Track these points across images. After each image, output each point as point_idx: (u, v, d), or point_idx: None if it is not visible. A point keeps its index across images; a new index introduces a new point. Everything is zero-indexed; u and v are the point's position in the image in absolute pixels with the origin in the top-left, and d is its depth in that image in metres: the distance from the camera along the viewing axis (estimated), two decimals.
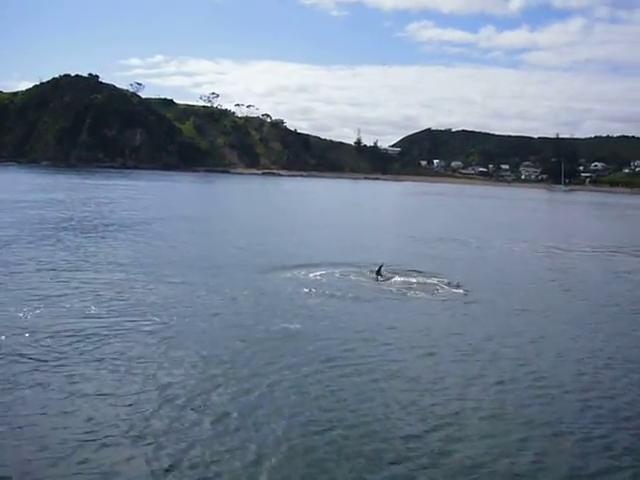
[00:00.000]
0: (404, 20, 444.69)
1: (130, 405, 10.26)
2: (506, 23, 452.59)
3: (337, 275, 22.19)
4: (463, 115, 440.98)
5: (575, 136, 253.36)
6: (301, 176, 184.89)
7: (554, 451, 9.44)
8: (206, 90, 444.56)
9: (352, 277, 21.98)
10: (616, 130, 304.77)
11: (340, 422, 9.98)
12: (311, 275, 21.84)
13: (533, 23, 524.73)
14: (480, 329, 16.10)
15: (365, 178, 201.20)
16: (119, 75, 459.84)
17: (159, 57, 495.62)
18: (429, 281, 21.79)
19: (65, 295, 17.50)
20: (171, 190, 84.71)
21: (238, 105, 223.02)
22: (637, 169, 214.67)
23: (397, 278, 21.93)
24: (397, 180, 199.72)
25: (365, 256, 26.71)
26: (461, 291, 20.51)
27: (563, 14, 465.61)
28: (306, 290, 19.54)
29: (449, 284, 21.32)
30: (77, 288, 18.48)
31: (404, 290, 20.34)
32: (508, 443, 9.60)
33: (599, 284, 24.85)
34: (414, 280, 21.82)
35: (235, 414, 10.07)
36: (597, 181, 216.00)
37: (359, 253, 28.64)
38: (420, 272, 23.33)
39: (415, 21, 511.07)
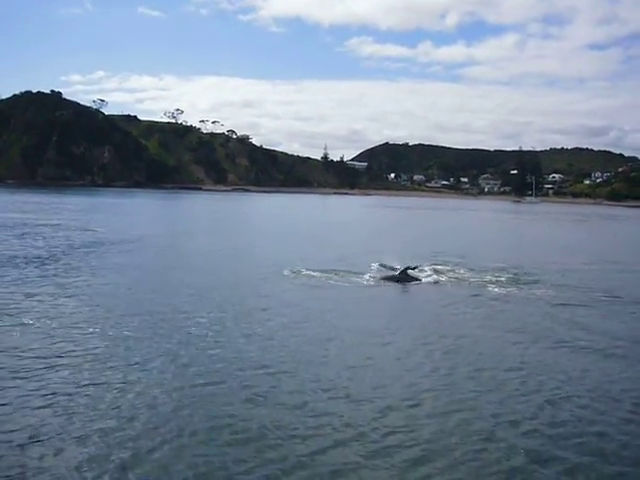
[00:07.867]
0: (344, 36, 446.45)
1: None
2: (443, 39, 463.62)
3: None
4: (408, 128, 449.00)
5: (528, 148, 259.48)
6: (271, 192, 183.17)
7: None
8: (148, 106, 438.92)
9: None
10: (555, 142, 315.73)
11: None
12: None
13: (469, 38, 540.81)
14: None
15: (335, 193, 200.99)
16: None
17: (100, 73, 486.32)
18: None
19: None
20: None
21: (203, 121, 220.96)
22: (598, 180, 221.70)
23: None
24: (366, 194, 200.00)
25: None
26: None
27: (497, 30, 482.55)
28: None
29: None
30: None
31: None
32: None
33: None
34: None
35: None
36: (559, 192, 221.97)
37: None
38: None
39: (355, 37, 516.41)
